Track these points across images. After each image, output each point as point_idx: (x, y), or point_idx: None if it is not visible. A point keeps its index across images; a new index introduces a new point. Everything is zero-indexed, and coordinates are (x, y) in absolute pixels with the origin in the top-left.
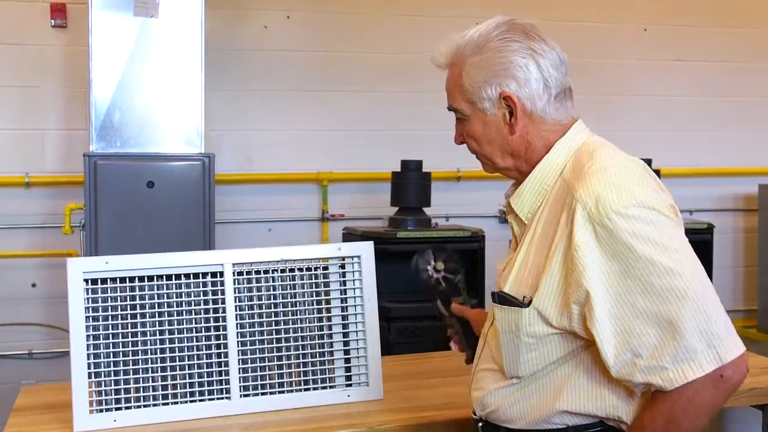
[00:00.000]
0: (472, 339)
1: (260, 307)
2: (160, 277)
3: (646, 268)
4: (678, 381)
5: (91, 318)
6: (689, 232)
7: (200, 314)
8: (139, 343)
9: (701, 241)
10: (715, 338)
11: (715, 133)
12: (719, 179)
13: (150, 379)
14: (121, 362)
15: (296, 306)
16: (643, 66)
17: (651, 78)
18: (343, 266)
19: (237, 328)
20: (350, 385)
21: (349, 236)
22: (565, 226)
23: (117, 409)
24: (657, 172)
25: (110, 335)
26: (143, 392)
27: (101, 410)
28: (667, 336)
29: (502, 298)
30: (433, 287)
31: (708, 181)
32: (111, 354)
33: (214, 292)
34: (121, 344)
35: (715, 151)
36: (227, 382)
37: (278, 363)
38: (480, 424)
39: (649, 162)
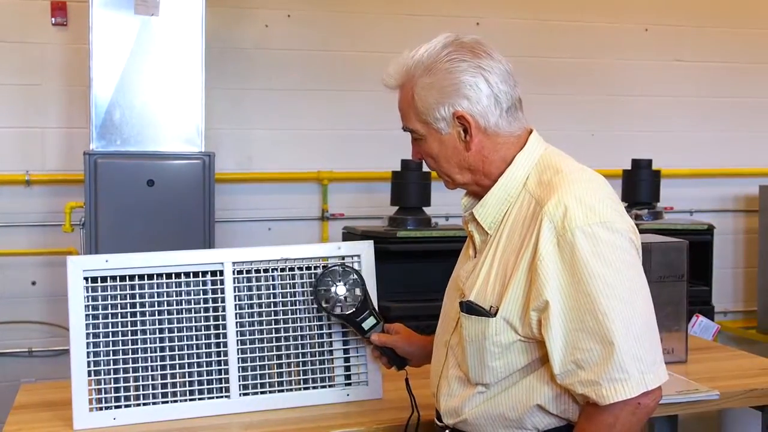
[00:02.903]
0: (401, 360)
1: (260, 306)
2: (159, 275)
3: (597, 287)
4: (609, 398)
5: (91, 316)
6: (690, 233)
7: (200, 313)
8: (139, 341)
9: (701, 242)
10: (645, 365)
11: (715, 133)
12: (720, 180)
13: (150, 377)
14: (121, 360)
15: (296, 305)
16: (643, 66)
17: (652, 78)
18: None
19: (237, 327)
20: (349, 384)
21: (349, 235)
22: (532, 237)
23: (117, 407)
24: (657, 172)
25: (110, 333)
26: (143, 390)
27: (101, 408)
28: (607, 355)
29: (470, 308)
30: (341, 315)
31: (708, 181)
32: (111, 352)
33: (214, 291)
34: (120, 342)
35: (716, 151)
36: (227, 380)
37: (278, 362)
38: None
39: (649, 163)
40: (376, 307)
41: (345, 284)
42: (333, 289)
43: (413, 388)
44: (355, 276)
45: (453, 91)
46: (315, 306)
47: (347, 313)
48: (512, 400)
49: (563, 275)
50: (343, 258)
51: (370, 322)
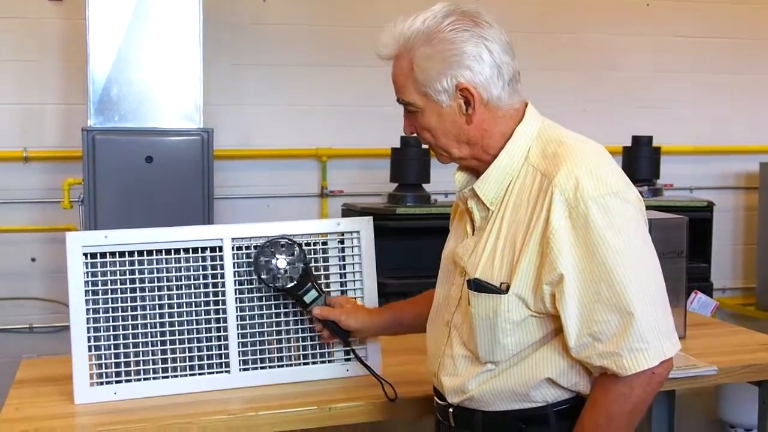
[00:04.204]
0: (344, 333)
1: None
2: (159, 251)
3: (612, 258)
4: (631, 369)
5: (90, 292)
6: (690, 210)
7: (199, 288)
8: (139, 316)
9: (701, 218)
10: (662, 333)
11: (716, 110)
12: (720, 157)
13: (150, 352)
14: (121, 336)
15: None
16: (644, 42)
17: (652, 54)
18: (342, 241)
19: (236, 303)
20: (349, 359)
21: (349, 212)
22: (542, 210)
23: (117, 382)
24: (657, 149)
25: (110, 309)
26: (143, 365)
27: (101, 383)
28: (626, 325)
29: (479, 285)
30: (281, 288)
31: (709, 158)
32: (111, 328)
33: (213, 267)
34: (120, 318)
35: (717, 128)
36: (227, 356)
37: (277, 337)
38: (451, 410)
39: (649, 139)
40: (381, 283)
41: (286, 257)
42: (273, 261)
43: (410, 364)
44: (297, 249)
45: (455, 62)
46: (256, 277)
47: (288, 286)
48: (522, 374)
49: (577, 247)
50: (342, 234)
51: (312, 295)
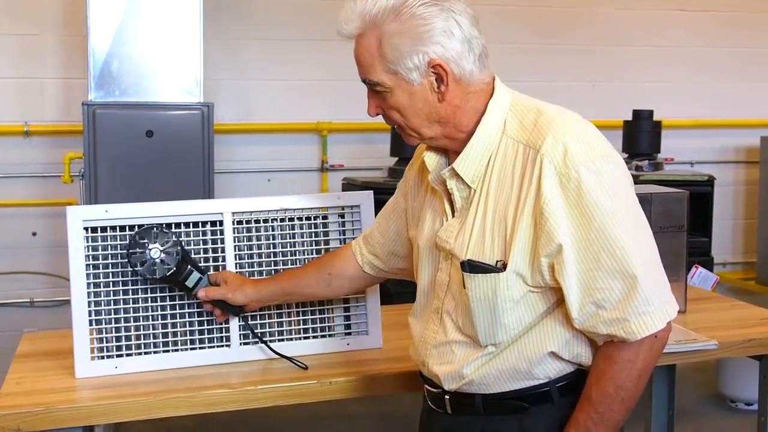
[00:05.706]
0: (234, 308)
1: (260, 255)
2: (159, 225)
3: (609, 223)
4: (639, 333)
5: (91, 266)
6: (690, 184)
7: (200, 263)
8: (140, 290)
9: (702, 193)
10: (664, 295)
11: (717, 84)
12: (721, 131)
13: (150, 326)
14: (122, 310)
15: (296, 255)
16: (645, 16)
17: (654, 28)
18: (342, 215)
19: None
20: (349, 333)
21: (349, 186)
22: (531, 182)
23: (118, 356)
24: (658, 123)
25: (111, 283)
26: (144, 339)
27: (102, 357)
28: (631, 289)
29: (473, 266)
30: (161, 278)
31: (709, 132)
32: (112, 302)
33: (214, 241)
34: (121, 292)
35: (718, 102)
36: (227, 329)
37: (278, 311)
38: (447, 397)
39: (650, 113)
40: None
41: (161, 245)
42: (147, 252)
43: (400, 338)
44: (171, 235)
45: (427, 38)
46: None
47: (167, 274)
48: (524, 351)
49: (573, 215)
50: (342, 208)
51: (194, 278)
